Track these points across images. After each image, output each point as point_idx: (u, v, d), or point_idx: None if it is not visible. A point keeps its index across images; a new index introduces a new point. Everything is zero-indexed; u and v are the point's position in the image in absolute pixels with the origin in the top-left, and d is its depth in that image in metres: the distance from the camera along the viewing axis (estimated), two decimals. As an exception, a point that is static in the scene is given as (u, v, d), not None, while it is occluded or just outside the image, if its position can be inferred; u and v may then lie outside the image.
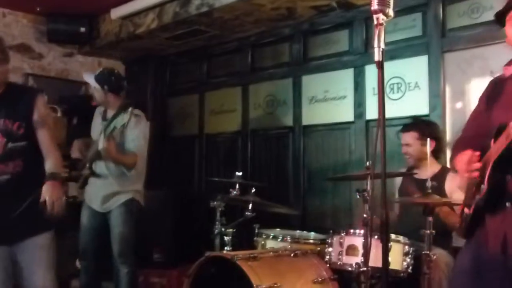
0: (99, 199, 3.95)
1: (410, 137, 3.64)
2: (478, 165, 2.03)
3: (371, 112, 4.51)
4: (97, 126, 4.07)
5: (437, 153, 3.62)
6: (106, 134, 3.56)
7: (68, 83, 6.03)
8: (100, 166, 3.92)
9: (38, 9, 5.61)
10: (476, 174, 2.04)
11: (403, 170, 3.73)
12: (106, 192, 3.92)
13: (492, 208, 2.03)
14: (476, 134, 2.24)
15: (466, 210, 2.19)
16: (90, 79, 4.00)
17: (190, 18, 4.94)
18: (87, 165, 3.89)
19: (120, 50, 6.09)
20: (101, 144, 3.58)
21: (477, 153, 2.05)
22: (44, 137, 2.85)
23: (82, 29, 5.78)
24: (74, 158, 4.08)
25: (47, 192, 2.63)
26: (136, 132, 3.85)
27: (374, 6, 1.87)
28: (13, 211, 2.64)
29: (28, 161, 2.79)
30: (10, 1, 5.45)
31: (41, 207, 2.63)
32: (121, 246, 3.92)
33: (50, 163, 2.79)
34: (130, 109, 3.47)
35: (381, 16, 1.87)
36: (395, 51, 4.30)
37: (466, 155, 2.07)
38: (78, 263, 4.37)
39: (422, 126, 3.68)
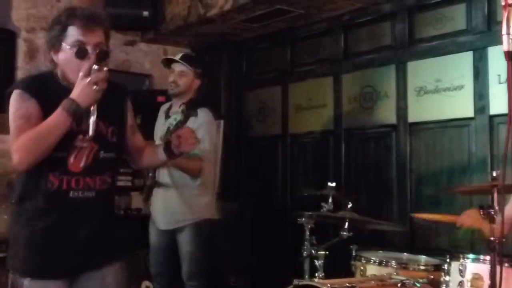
0: (163, 215, 4.05)
1: None
2: None
3: (496, 105, 4.31)
4: (160, 126, 4.18)
5: None
6: (168, 131, 3.67)
7: (130, 76, 6.16)
8: (163, 175, 4.03)
9: (94, -9, 5.77)
10: None
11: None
12: (171, 206, 4.04)
13: None
14: None
15: None
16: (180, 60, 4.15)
17: (270, -4, 4.96)
18: (150, 173, 3.99)
19: (189, 36, 6.18)
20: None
21: None
22: (140, 141, 2.86)
23: (145, 13, 5.89)
24: None
25: None
26: (201, 133, 3.84)
27: (503, -17, 1.75)
28: (88, 235, 2.54)
29: (114, 178, 2.69)
30: (63, -17, 5.67)
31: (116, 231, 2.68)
32: (190, 267, 4.04)
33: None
34: (183, 107, 3.70)
35: (511, -5, 1.75)
36: (526, 30, 4.07)
37: None
38: (144, 286, 4.48)
39: None
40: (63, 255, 2.49)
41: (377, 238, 3.86)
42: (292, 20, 5.56)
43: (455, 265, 3.05)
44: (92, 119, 2.41)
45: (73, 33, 2.43)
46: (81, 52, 2.43)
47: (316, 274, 3.45)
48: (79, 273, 2.57)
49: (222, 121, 6.04)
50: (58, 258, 2.49)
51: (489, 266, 2.81)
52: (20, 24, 5.64)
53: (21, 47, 5.63)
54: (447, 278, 3.07)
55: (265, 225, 5.40)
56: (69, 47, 2.44)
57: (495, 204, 2.85)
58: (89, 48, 2.44)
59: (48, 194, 2.48)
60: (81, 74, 2.38)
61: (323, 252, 3.51)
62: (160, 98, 4.29)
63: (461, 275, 3.00)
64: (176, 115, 3.90)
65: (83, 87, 2.37)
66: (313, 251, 3.54)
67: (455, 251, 3.21)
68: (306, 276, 3.53)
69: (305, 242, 3.58)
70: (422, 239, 4.63)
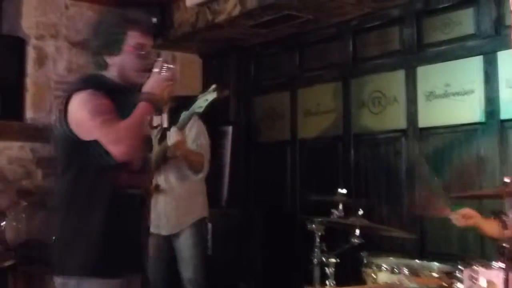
0: (163, 220, 4.04)
1: None
2: None
3: (507, 110, 4.29)
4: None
5: None
6: (180, 124, 3.66)
7: (139, 83, 6.16)
8: (159, 180, 4.05)
9: (104, -2, 5.79)
10: None
11: None
12: (171, 211, 4.07)
13: None
14: None
15: None
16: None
17: (279, 2, 4.93)
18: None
19: (197, 42, 6.20)
20: (172, 138, 3.67)
21: None
22: None
23: (154, 20, 5.88)
24: None
25: None
26: (195, 132, 4.02)
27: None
28: (140, 233, 2.71)
29: None
30: (73, -9, 5.69)
31: None
32: (193, 272, 4.09)
33: None
34: (214, 85, 3.59)
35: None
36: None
37: None
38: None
39: None
40: (123, 253, 2.55)
41: (388, 244, 3.82)
42: (300, 25, 5.55)
43: (467, 272, 3.01)
44: (166, 113, 2.64)
45: (133, 37, 2.63)
46: (146, 54, 2.66)
47: (327, 282, 3.41)
48: (134, 271, 2.66)
49: (230, 127, 6.04)
50: (118, 257, 2.54)
51: (503, 272, 2.78)
52: (30, 32, 5.66)
53: (31, 54, 5.65)
54: (459, 285, 3.04)
55: (274, 232, 5.37)
56: (131, 49, 2.63)
57: (507, 209, 2.83)
58: (148, 49, 2.68)
59: (111, 193, 2.54)
60: (156, 70, 2.60)
61: (333, 259, 3.47)
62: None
63: (473, 282, 2.96)
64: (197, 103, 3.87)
65: (158, 81, 2.60)
66: (323, 258, 3.49)
67: (467, 256, 3.17)
68: (317, 284, 3.48)
69: (315, 249, 3.52)
70: (433, 245, 4.60)
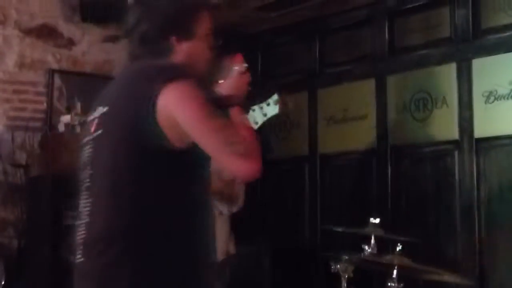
0: None
1: None
2: None
3: None
4: None
5: None
6: None
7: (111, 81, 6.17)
8: None
9: (66, -25, 5.81)
10: None
11: None
12: None
13: None
14: None
15: None
16: None
17: (293, -23, 5.00)
18: None
19: (187, 28, 6.19)
20: None
21: None
22: None
23: (130, 1, 5.89)
24: None
25: None
26: None
27: None
28: None
29: None
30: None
31: None
32: None
33: None
34: (276, 96, 3.62)
35: None
36: None
37: None
38: None
39: None
40: None
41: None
42: (321, 6, 5.60)
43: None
44: None
45: (206, 21, 2.64)
46: (220, 42, 2.73)
47: (357, 338, 3.45)
48: None
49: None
50: None
51: None
52: (-32, 17, 5.68)
53: None
54: None
55: (289, 274, 5.34)
56: (206, 35, 2.64)
57: None
58: None
59: (204, 221, 2.52)
60: (237, 68, 2.65)
61: (365, 310, 3.51)
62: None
63: None
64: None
65: (241, 84, 2.63)
66: (352, 307, 3.53)
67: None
68: None
69: (342, 295, 3.57)
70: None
